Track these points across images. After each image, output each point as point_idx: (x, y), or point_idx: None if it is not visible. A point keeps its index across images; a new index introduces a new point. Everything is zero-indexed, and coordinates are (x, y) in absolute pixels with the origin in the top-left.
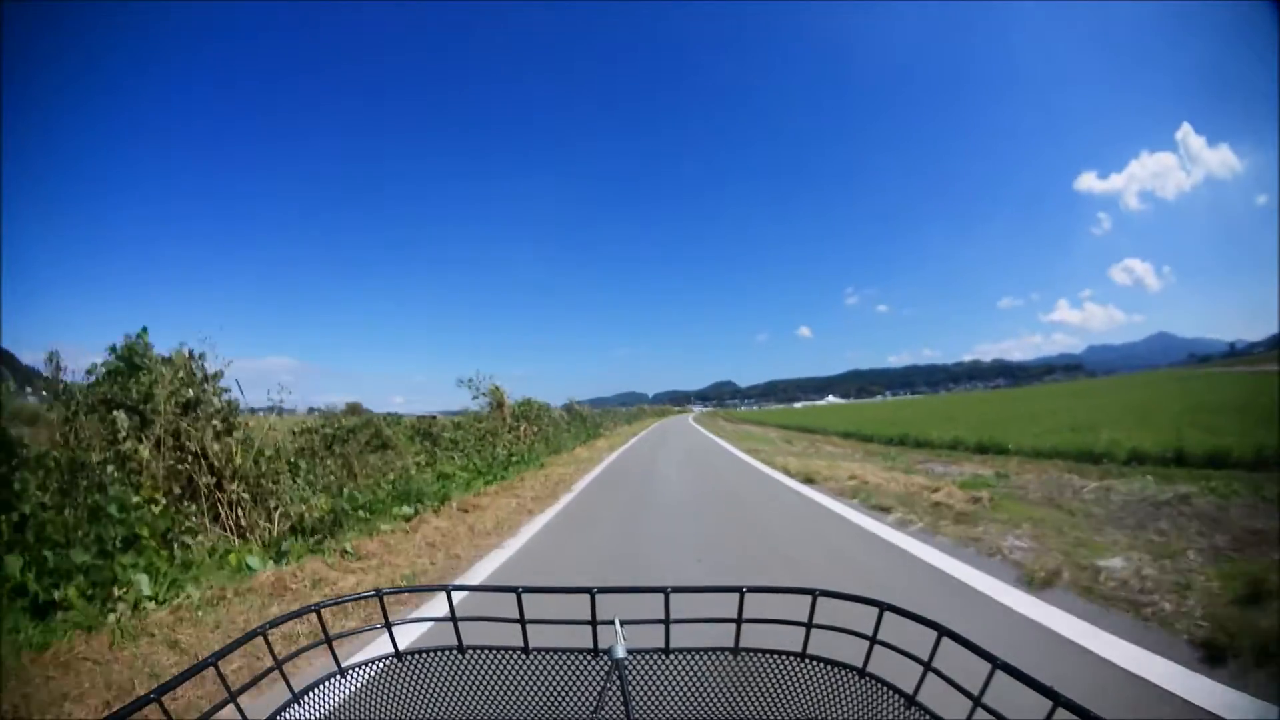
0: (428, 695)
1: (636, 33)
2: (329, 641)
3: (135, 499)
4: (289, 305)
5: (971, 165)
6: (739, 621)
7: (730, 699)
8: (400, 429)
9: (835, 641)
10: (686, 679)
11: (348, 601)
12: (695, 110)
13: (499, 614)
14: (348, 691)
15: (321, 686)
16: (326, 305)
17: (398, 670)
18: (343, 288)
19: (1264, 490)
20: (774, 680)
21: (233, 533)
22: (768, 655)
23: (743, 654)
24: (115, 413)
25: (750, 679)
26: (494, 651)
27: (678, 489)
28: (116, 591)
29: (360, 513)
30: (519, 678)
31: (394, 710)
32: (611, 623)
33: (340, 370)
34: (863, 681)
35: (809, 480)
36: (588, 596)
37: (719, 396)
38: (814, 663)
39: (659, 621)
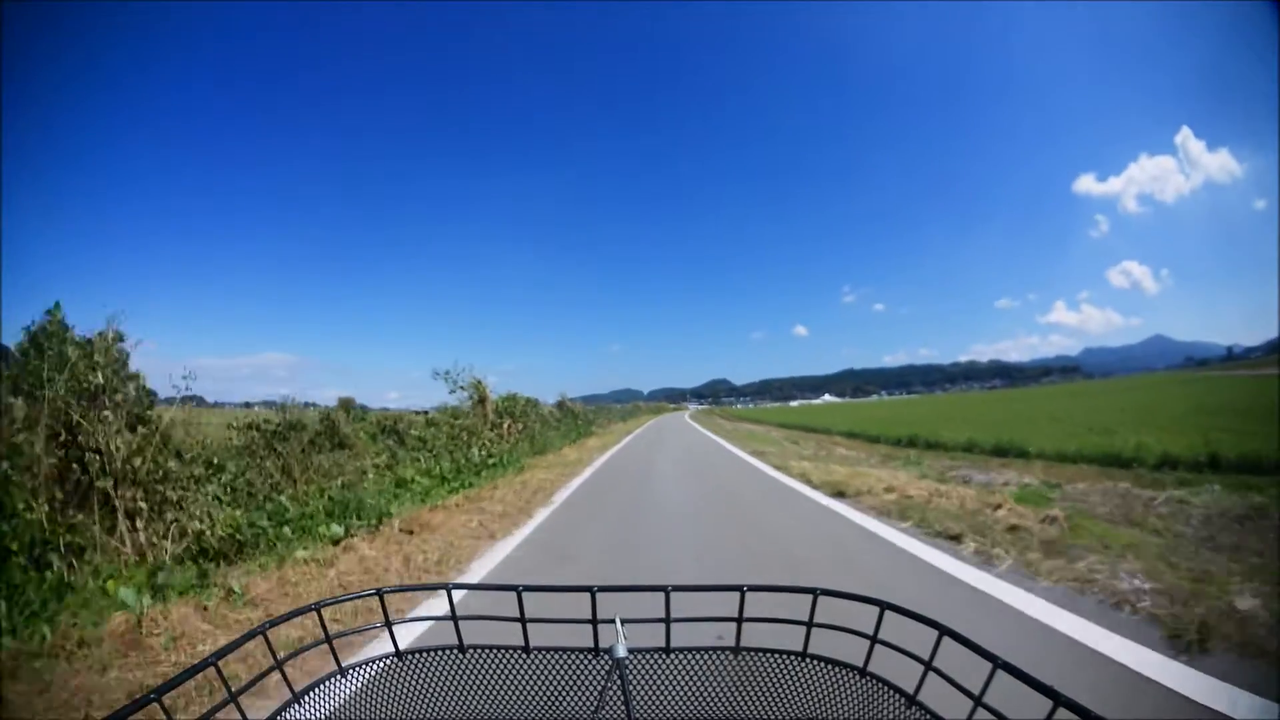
0: (428, 695)
1: (631, 30)
2: (329, 641)
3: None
4: (287, 301)
5: (970, 165)
6: (740, 620)
7: (731, 698)
8: (365, 425)
9: (836, 641)
10: (687, 678)
11: (348, 600)
12: (693, 108)
13: (499, 613)
14: (348, 691)
15: (322, 686)
16: (324, 301)
17: (398, 670)
18: (340, 283)
19: None
20: (775, 679)
21: (133, 550)
22: (768, 654)
23: (743, 653)
24: (15, 400)
25: (751, 678)
26: (494, 651)
27: (679, 506)
28: None
29: (285, 529)
30: (520, 677)
31: (394, 710)
32: (612, 622)
33: (338, 365)
34: (863, 681)
35: (839, 493)
36: (588, 595)
37: (714, 394)
38: (815, 662)
39: (660, 620)
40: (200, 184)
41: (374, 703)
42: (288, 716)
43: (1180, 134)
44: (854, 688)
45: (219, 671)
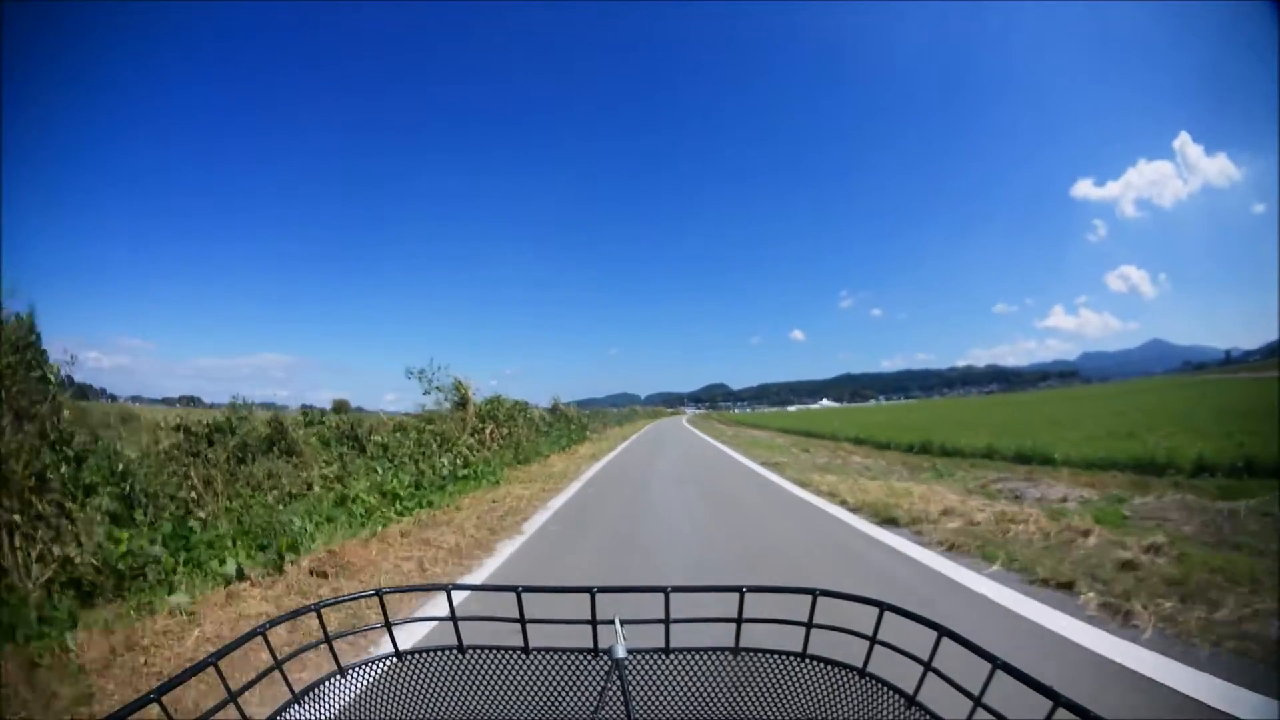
0: (428, 695)
1: (631, 30)
2: (329, 641)
3: None
4: (286, 301)
5: (968, 168)
6: (739, 621)
7: (730, 699)
8: (323, 429)
9: (836, 641)
10: (687, 679)
11: (348, 601)
12: (692, 108)
13: (499, 613)
14: (348, 691)
15: (322, 686)
16: (323, 301)
17: (398, 670)
18: (339, 284)
19: None
20: (774, 680)
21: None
22: (768, 655)
23: (743, 654)
24: None
25: (750, 679)
26: (494, 651)
27: (686, 540)
28: None
29: (183, 557)
30: (519, 677)
31: (394, 710)
32: (612, 622)
33: (337, 366)
34: (863, 681)
35: (889, 520)
36: (588, 596)
37: (711, 399)
38: (814, 663)
39: (659, 621)
40: (199, 183)
41: (374, 703)
42: (288, 717)
43: (1179, 139)
44: (854, 688)
45: (219, 672)
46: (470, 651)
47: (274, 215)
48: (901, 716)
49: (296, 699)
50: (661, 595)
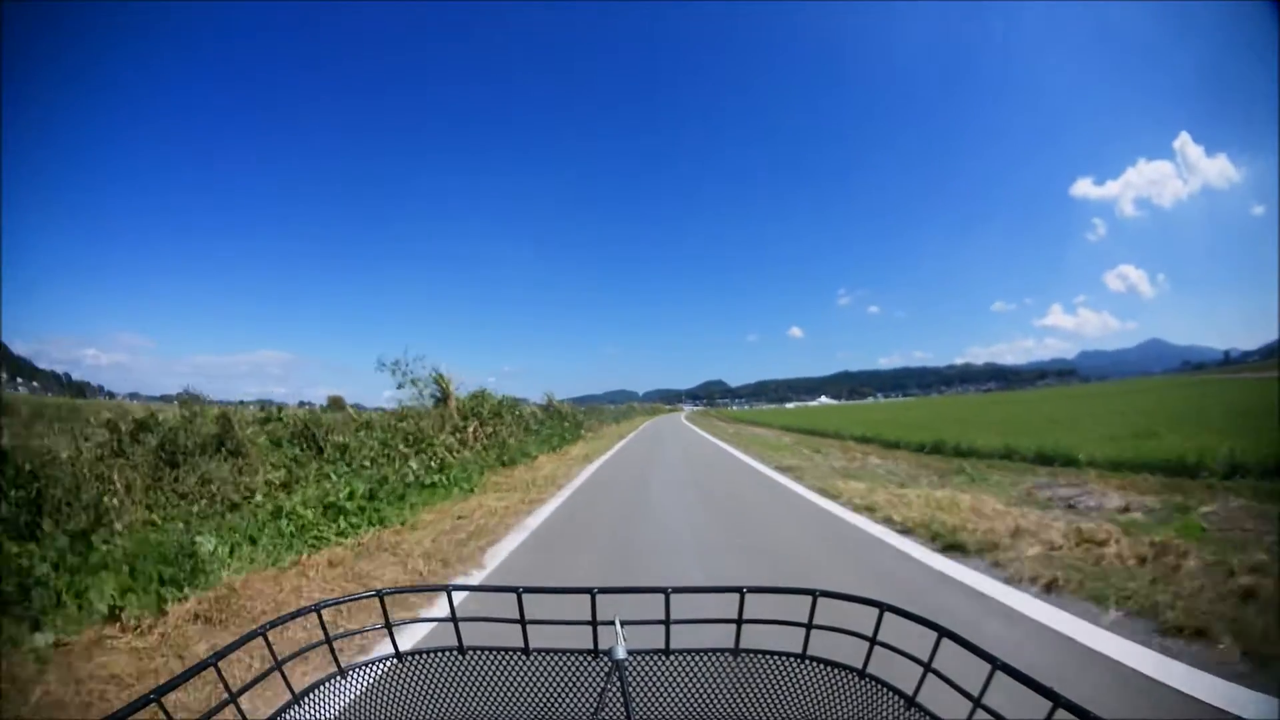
0: (428, 696)
1: (631, 30)
2: (329, 642)
3: None
4: (285, 298)
5: (967, 167)
6: (739, 622)
7: (730, 700)
8: (279, 426)
9: (836, 642)
10: (687, 680)
11: (348, 602)
12: (692, 108)
13: (499, 614)
14: (348, 692)
15: (322, 687)
16: (321, 298)
17: (398, 671)
18: (338, 281)
19: None
20: (774, 681)
21: None
22: (768, 656)
23: (743, 655)
24: None
25: (750, 680)
26: (494, 652)
27: (697, 572)
28: None
29: (67, 582)
30: (519, 678)
31: (394, 711)
32: (612, 623)
33: (337, 364)
34: (863, 682)
35: (955, 547)
36: (588, 597)
37: (709, 396)
38: (814, 664)
39: (659, 622)
40: (199, 181)
41: (374, 704)
42: (288, 717)
43: (1179, 139)
44: (853, 689)
45: (219, 672)
46: (470, 652)
47: (273, 213)
48: (901, 717)
49: (296, 699)
50: (662, 596)
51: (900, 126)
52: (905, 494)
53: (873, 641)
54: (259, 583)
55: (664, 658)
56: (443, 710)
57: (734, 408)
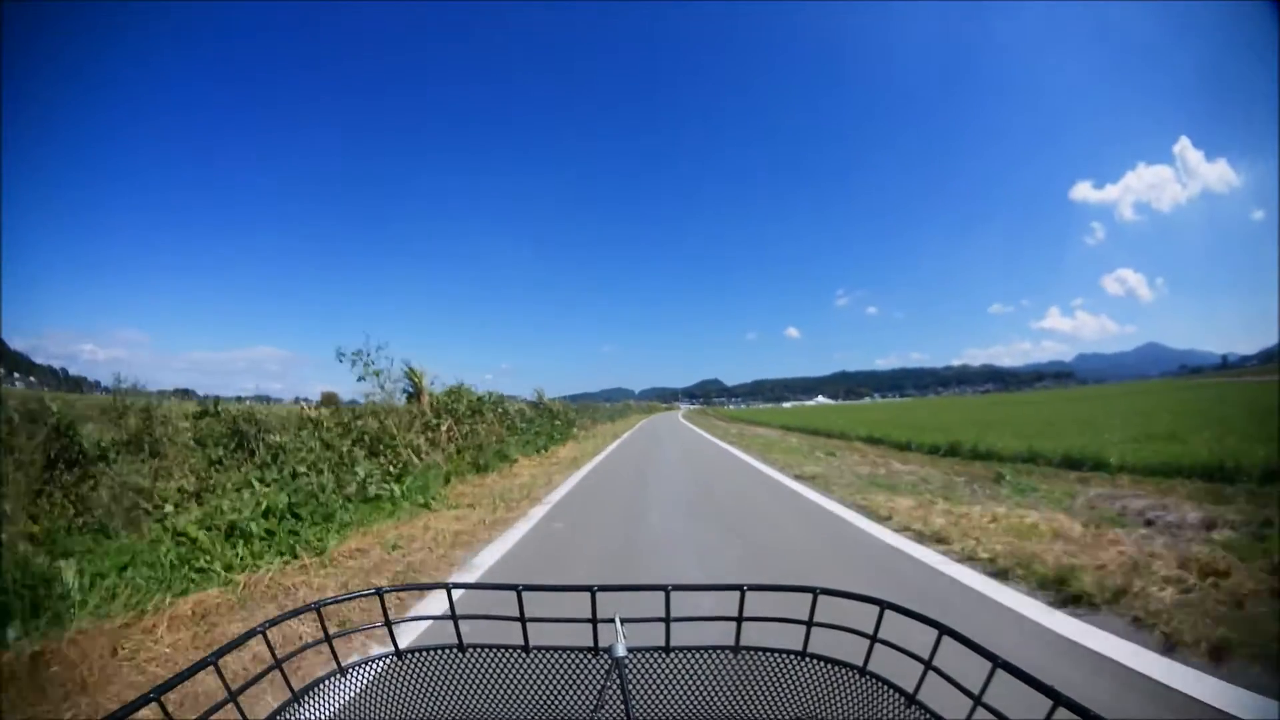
0: (428, 694)
1: (631, 30)
2: (329, 640)
3: None
4: (282, 296)
5: (967, 170)
6: (739, 620)
7: (731, 697)
8: (213, 423)
9: (836, 640)
10: (687, 677)
11: (348, 600)
12: (692, 108)
13: (499, 612)
14: (348, 690)
15: (322, 685)
16: (319, 296)
17: (398, 669)
18: (336, 279)
19: None
20: (774, 679)
21: None
22: (768, 654)
23: (743, 652)
24: None
25: (751, 677)
26: (494, 650)
27: None
28: None
29: None
30: (519, 676)
31: (395, 709)
32: (612, 621)
33: (332, 361)
34: (863, 680)
35: (1073, 599)
36: (588, 595)
37: (706, 394)
38: (815, 661)
39: (659, 620)
40: (199, 180)
41: (374, 702)
42: (288, 716)
43: (1179, 143)
44: (854, 687)
45: (218, 671)
46: (470, 650)
47: (272, 211)
48: (902, 715)
49: (296, 698)
50: (662, 594)
51: (900, 127)
52: (968, 513)
53: (873, 639)
54: (86, 642)
55: (664, 655)
56: (443, 708)
57: (730, 406)
